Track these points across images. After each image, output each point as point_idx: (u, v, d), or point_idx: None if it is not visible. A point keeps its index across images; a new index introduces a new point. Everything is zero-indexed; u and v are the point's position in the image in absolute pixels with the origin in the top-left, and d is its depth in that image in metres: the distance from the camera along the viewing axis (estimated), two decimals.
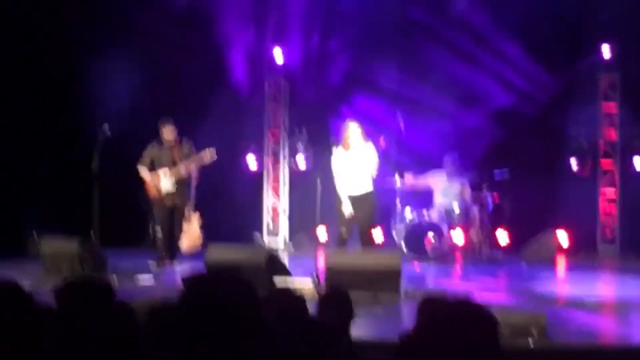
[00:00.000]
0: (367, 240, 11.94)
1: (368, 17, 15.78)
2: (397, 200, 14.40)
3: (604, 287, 11.81)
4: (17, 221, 15.00)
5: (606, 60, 15.66)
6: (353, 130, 11.81)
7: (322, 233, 14.63)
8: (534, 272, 12.75)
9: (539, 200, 15.21)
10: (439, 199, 14.72)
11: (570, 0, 14.80)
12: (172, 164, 12.93)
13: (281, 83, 17.13)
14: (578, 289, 11.26)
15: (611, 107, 15.92)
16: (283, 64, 16.80)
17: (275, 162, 17.31)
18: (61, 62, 15.26)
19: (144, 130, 13.66)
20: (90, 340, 3.39)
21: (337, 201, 11.86)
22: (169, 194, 12.95)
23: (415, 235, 13.96)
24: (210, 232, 14.50)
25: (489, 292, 10.96)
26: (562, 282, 12.94)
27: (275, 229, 17.25)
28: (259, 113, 17.20)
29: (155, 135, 13.05)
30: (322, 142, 13.85)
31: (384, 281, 10.03)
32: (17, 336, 3.38)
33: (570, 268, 14.05)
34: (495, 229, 14.78)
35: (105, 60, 14.59)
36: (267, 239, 17.03)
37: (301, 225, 16.46)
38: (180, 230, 13.30)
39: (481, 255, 14.29)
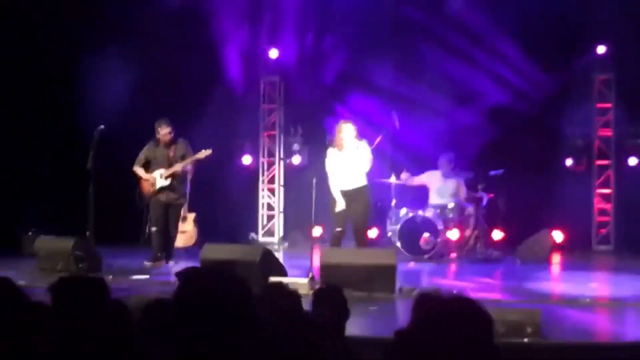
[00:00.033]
0: (362, 238, 11.95)
1: (363, 16, 15.78)
2: (393, 199, 14.41)
3: (599, 286, 11.81)
4: (13, 219, 14.99)
5: (601, 60, 15.69)
6: (346, 130, 11.82)
7: (317, 231, 14.63)
8: (528, 271, 12.75)
9: (534, 199, 15.23)
10: (434, 198, 14.73)
11: (565, 0, 14.81)
12: (168, 163, 12.92)
13: (276, 82, 17.14)
14: (573, 287, 11.25)
15: (606, 106, 15.95)
16: (278, 63, 16.80)
17: (271, 160, 17.32)
18: (57, 62, 15.25)
19: (139, 129, 13.65)
20: (84, 337, 3.39)
21: (330, 201, 11.86)
22: (163, 189, 12.92)
23: (411, 233, 13.95)
24: (205, 231, 14.54)
25: (484, 290, 10.97)
26: (556, 281, 12.94)
27: (271, 227, 17.26)
28: (254, 112, 17.23)
29: (151, 134, 13.04)
30: (317, 140, 13.86)
31: (379, 279, 10.04)
32: (10, 333, 3.38)
33: (565, 266, 14.07)
34: (490, 228, 14.79)
35: (101, 60, 14.58)
36: (262, 237, 17.04)
37: (296, 223, 16.49)
38: (176, 230, 13.30)
39: (476, 254, 14.29)
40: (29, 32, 15.18)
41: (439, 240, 13.91)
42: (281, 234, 17.18)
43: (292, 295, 4.54)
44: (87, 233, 12.35)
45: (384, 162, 14.56)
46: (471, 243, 14.49)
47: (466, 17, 15.49)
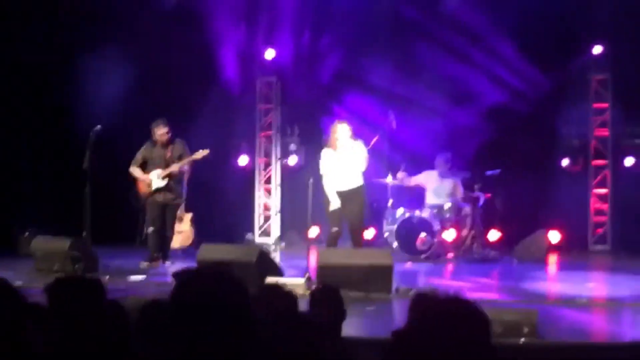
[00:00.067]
0: (358, 238, 11.95)
1: (360, 16, 15.79)
2: (390, 199, 14.41)
3: (595, 286, 11.81)
4: (9, 220, 14.98)
5: (598, 60, 15.70)
6: (341, 130, 11.82)
7: (313, 231, 14.63)
8: (525, 271, 12.75)
9: (530, 199, 15.25)
10: (430, 198, 14.73)
11: (562, 1, 14.82)
12: (165, 164, 12.91)
13: (273, 82, 17.13)
14: (569, 287, 11.27)
15: (603, 106, 15.96)
16: (274, 63, 16.80)
17: (267, 161, 17.32)
18: (53, 63, 15.23)
19: (136, 129, 13.65)
20: (81, 338, 3.39)
21: (325, 201, 11.87)
22: (159, 190, 12.92)
23: (408, 234, 13.96)
24: (202, 231, 14.54)
25: (480, 290, 10.97)
26: (553, 281, 12.95)
27: (267, 227, 17.26)
28: (251, 112, 17.22)
29: (147, 135, 13.02)
30: (314, 140, 13.87)
31: (376, 279, 10.05)
32: (7, 334, 3.38)
33: (562, 266, 14.07)
34: (487, 228, 14.79)
35: (97, 60, 14.58)
36: (258, 238, 17.04)
37: (293, 224, 16.48)
38: (172, 230, 13.29)
39: (473, 254, 14.30)
40: (25, 32, 15.15)
41: (435, 240, 13.92)
42: (278, 234, 17.17)
43: (288, 296, 4.54)
44: (84, 233, 12.34)
45: (380, 162, 14.57)
46: (468, 243, 14.49)
47: (463, 17, 15.50)
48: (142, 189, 13.04)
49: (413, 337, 2.65)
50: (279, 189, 17.32)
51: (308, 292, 7.15)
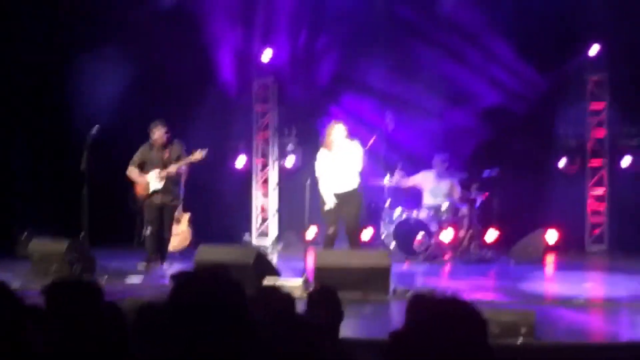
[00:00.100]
0: (355, 239, 11.96)
1: (356, 17, 15.79)
2: (387, 200, 14.41)
3: (593, 286, 11.83)
4: (6, 221, 14.97)
5: (594, 60, 15.71)
6: (337, 131, 11.83)
7: (311, 233, 14.63)
8: (522, 271, 12.76)
9: (527, 199, 15.26)
10: (428, 199, 14.73)
11: (558, 1, 14.83)
12: (163, 165, 12.90)
13: (270, 83, 17.13)
14: (567, 287, 11.28)
15: (599, 106, 15.98)
16: (271, 64, 16.80)
17: (264, 162, 17.32)
18: (50, 63, 15.23)
19: (133, 130, 13.65)
20: (78, 340, 3.39)
21: (322, 202, 11.88)
22: (157, 192, 12.92)
23: (405, 234, 13.97)
24: (199, 233, 14.53)
25: (478, 291, 10.98)
26: (550, 281, 12.97)
27: (265, 228, 17.25)
28: (248, 113, 17.22)
29: (145, 136, 13.01)
30: (311, 141, 13.86)
31: (374, 280, 10.05)
32: (5, 335, 3.38)
33: (559, 267, 14.09)
34: (484, 228, 14.79)
35: (94, 61, 14.57)
36: (256, 239, 17.03)
37: (290, 225, 16.47)
38: (170, 232, 13.29)
39: (470, 255, 14.30)
40: (22, 33, 15.15)
41: (433, 241, 13.92)
42: (275, 235, 17.17)
43: (285, 297, 4.54)
44: (81, 235, 12.33)
45: (377, 162, 14.57)
46: (465, 244, 14.49)
47: (460, 18, 15.51)
48: (140, 190, 13.03)
49: (411, 338, 2.66)
50: (276, 190, 17.31)
51: (306, 294, 7.15)
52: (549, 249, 14.67)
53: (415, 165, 14.98)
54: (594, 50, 15.60)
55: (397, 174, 14.49)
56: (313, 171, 12.00)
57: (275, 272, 10.81)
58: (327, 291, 5.51)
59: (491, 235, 14.80)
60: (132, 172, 12.99)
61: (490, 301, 9.94)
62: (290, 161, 16.64)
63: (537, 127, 15.58)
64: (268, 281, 9.73)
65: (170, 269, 12.56)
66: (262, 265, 10.63)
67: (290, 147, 16.73)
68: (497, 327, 7.02)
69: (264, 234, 17.22)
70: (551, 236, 14.89)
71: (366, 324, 8.50)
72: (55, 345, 3.40)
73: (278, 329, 3.55)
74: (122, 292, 9.66)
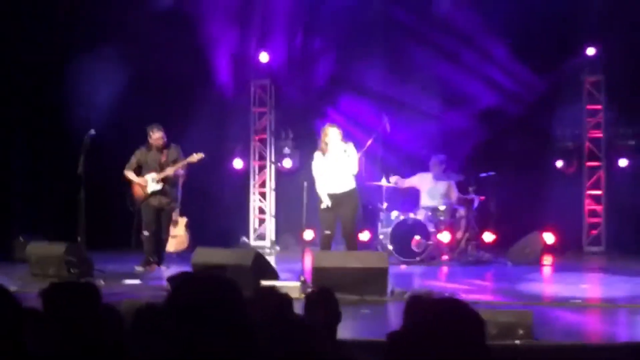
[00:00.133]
0: (352, 241, 11.96)
1: (353, 18, 15.81)
2: (384, 202, 14.40)
3: (590, 287, 11.83)
4: (4, 225, 14.96)
5: (591, 62, 15.73)
6: (331, 134, 11.84)
7: (308, 234, 14.63)
8: (520, 272, 12.76)
9: (525, 200, 15.26)
10: (425, 200, 14.73)
11: (555, 2, 14.85)
12: (160, 168, 12.90)
13: (267, 85, 17.13)
14: (564, 288, 11.28)
15: (596, 108, 15.99)
16: (268, 66, 16.80)
17: (262, 164, 17.31)
18: (46, 66, 15.22)
19: (130, 132, 13.65)
20: (76, 342, 3.39)
21: (319, 203, 11.89)
22: (155, 193, 12.91)
23: (402, 236, 13.95)
24: (196, 235, 14.53)
25: (475, 292, 10.99)
26: (548, 282, 12.96)
27: (262, 230, 17.25)
28: (245, 115, 17.21)
29: (141, 139, 13.01)
30: (308, 143, 13.86)
31: (371, 282, 10.05)
32: (3, 338, 3.38)
33: (556, 268, 14.08)
34: (481, 230, 14.79)
35: (91, 64, 14.57)
36: (253, 241, 17.03)
37: (287, 227, 16.47)
38: (167, 234, 13.30)
39: (468, 256, 14.29)
40: (18, 35, 15.15)
41: (430, 242, 13.92)
42: (273, 237, 17.17)
43: (283, 298, 4.54)
44: (79, 238, 12.33)
45: (374, 164, 14.58)
46: (462, 245, 14.49)
47: (456, 20, 15.52)
48: (137, 192, 13.03)
49: (408, 339, 2.66)
50: (273, 192, 17.31)
51: (303, 295, 7.15)
52: (547, 250, 14.66)
53: (412, 167, 14.99)
54: (591, 51, 15.61)
55: (394, 177, 14.49)
56: (310, 173, 12.01)
57: (273, 273, 10.81)
58: (324, 292, 5.51)
59: (488, 236, 14.79)
60: (129, 174, 12.99)
61: (488, 302, 9.94)
62: (287, 163, 16.64)
63: (534, 129, 15.58)
64: (265, 283, 9.72)
65: (168, 271, 12.55)
66: (260, 267, 10.63)
67: (287, 149, 16.73)
68: (494, 328, 7.02)
69: (261, 236, 17.21)
70: (548, 237, 14.89)
71: (364, 325, 8.49)
72: (54, 347, 3.40)
73: (276, 330, 3.55)
74: (119, 294, 9.65)
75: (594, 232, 15.98)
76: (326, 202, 11.81)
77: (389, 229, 14.03)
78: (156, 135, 12.86)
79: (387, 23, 15.95)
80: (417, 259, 13.84)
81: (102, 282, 10.77)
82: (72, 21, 15.10)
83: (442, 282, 12.56)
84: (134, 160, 13.02)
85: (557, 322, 8.82)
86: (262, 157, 17.32)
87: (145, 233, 12.99)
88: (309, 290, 8.93)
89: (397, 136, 14.52)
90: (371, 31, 15.95)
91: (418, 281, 12.39)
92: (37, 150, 15.74)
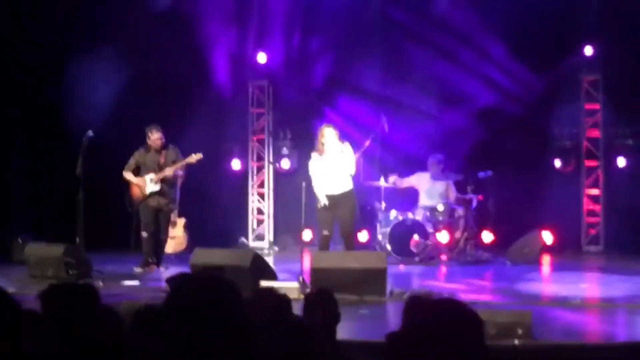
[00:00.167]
0: (350, 242, 11.97)
1: (350, 19, 15.81)
2: (382, 202, 14.40)
3: (589, 286, 11.83)
4: (3, 226, 14.95)
5: (589, 61, 15.72)
6: (328, 134, 11.84)
7: (307, 235, 14.63)
8: (519, 272, 12.76)
9: (523, 200, 15.24)
10: (423, 200, 14.73)
11: (553, 1, 14.85)
12: (159, 169, 12.89)
13: (265, 86, 17.12)
14: (563, 288, 11.29)
15: (594, 107, 15.99)
16: (266, 66, 16.79)
17: (260, 164, 17.30)
18: (45, 67, 15.21)
19: (128, 134, 13.64)
20: (75, 344, 3.38)
21: (316, 203, 11.89)
22: (153, 194, 12.91)
23: (401, 236, 13.95)
24: (195, 236, 14.52)
25: (474, 292, 10.99)
26: (547, 282, 12.97)
27: (261, 231, 17.24)
28: (243, 116, 17.19)
29: (140, 139, 13.01)
30: (307, 144, 13.85)
31: (370, 282, 10.04)
32: (2, 339, 3.37)
33: (555, 267, 14.09)
34: (480, 229, 14.79)
35: (89, 64, 14.56)
36: (252, 242, 17.02)
37: (286, 228, 16.47)
38: (166, 235, 13.29)
39: (466, 256, 14.29)
40: (18, 35, 15.14)
41: (429, 242, 13.92)
42: (271, 238, 17.15)
43: (282, 299, 4.54)
44: (77, 239, 12.32)
45: (373, 164, 14.57)
46: (461, 245, 14.48)
47: (453, 19, 15.52)
48: (136, 193, 13.03)
49: (407, 340, 2.66)
50: (272, 192, 17.30)
51: (302, 296, 7.16)
52: (545, 249, 14.66)
53: (410, 167, 14.99)
54: (588, 51, 15.61)
55: (392, 177, 14.50)
56: (308, 173, 12.02)
57: (272, 274, 10.81)
58: (323, 293, 5.51)
59: (487, 236, 14.79)
60: (128, 175, 12.99)
61: (487, 302, 9.95)
62: (285, 164, 16.63)
63: (532, 128, 15.58)
64: (264, 284, 9.72)
65: (167, 272, 12.55)
66: (259, 267, 10.63)
67: (285, 149, 16.72)
68: (493, 328, 7.02)
69: (260, 236, 17.20)
70: (547, 237, 14.89)
71: (363, 326, 8.49)
72: (52, 349, 3.40)
73: (274, 330, 3.56)
74: (118, 295, 9.65)
75: (593, 231, 15.98)
76: (323, 201, 11.81)
77: (388, 229, 14.02)
78: (155, 136, 12.86)
79: (384, 23, 15.95)
80: (416, 259, 13.84)
81: (100, 284, 10.76)
82: (72, 21, 15.10)
83: (441, 282, 12.56)
84: (132, 161, 13.02)
85: (556, 322, 8.83)
86: (260, 158, 17.31)
87: (144, 234, 12.99)
88: (308, 290, 8.95)
89: (395, 136, 14.52)
90: (369, 31, 15.95)
91: (417, 281, 12.39)
92: (36, 150, 15.74)
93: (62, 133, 14.58)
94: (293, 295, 7.85)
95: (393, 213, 14.21)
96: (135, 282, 11.64)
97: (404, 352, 2.65)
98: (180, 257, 14.12)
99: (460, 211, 14.60)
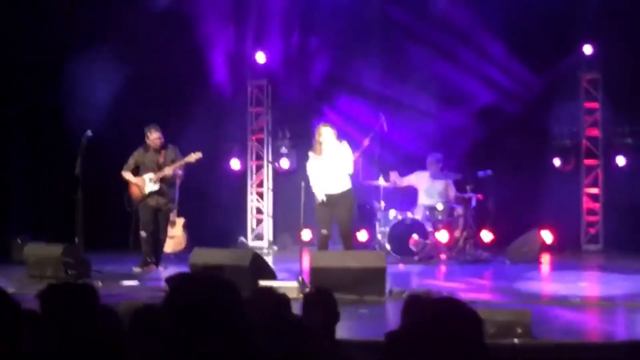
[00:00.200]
0: (348, 241, 11.97)
1: (349, 18, 15.81)
2: (381, 201, 14.39)
3: (588, 285, 11.84)
4: (2, 226, 14.95)
5: (588, 60, 15.72)
6: (325, 133, 11.83)
7: (306, 234, 14.62)
8: (518, 271, 12.77)
9: (522, 199, 15.25)
10: (423, 199, 14.73)
11: (552, 0, 14.85)
12: (158, 168, 12.89)
13: (263, 85, 17.11)
14: (562, 287, 11.29)
15: (593, 106, 15.99)
16: (265, 66, 16.79)
17: (259, 164, 17.30)
18: (43, 67, 15.22)
19: (127, 133, 13.64)
20: (74, 344, 3.38)
21: (315, 202, 11.89)
22: (152, 194, 12.91)
23: (400, 236, 13.95)
24: (194, 235, 14.51)
25: (473, 291, 10.99)
26: (546, 281, 12.97)
27: (260, 231, 17.23)
28: (242, 115, 17.18)
29: (138, 139, 13.01)
30: (306, 143, 13.84)
31: (369, 281, 10.04)
32: (1, 339, 3.37)
33: (555, 266, 14.08)
34: (479, 228, 14.79)
35: (87, 64, 14.56)
36: (251, 241, 17.01)
37: (285, 227, 16.46)
38: (165, 234, 13.29)
39: (466, 255, 14.29)
40: (18, 35, 15.14)
41: (428, 241, 13.91)
42: (270, 237, 17.15)
43: (281, 299, 4.54)
44: (76, 239, 12.32)
45: (372, 164, 14.56)
46: (460, 244, 14.48)
47: (453, 18, 15.51)
48: (135, 192, 13.02)
49: (407, 339, 2.66)
50: (271, 192, 17.30)
51: (301, 295, 7.15)
52: (545, 248, 14.67)
53: (410, 167, 14.98)
54: (588, 49, 15.61)
55: (392, 175, 14.50)
56: (307, 173, 12.02)
57: (271, 273, 10.81)
58: (323, 292, 5.51)
59: (486, 235, 14.79)
60: (127, 175, 12.98)
61: (486, 301, 9.96)
62: (284, 163, 16.63)
63: (531, 127, 15.58)
64: (264, 283, 9.72)
65: (166, 271, 12.55)
66: (258, 267, 10.62)
67: (284, 149, 16.72)
68: (493, 327, 7.02)
69: (259, 236, 17.20)
70: (546, 236, 14.89)
71: (362, 325, 8.49)
72: (52, 349, 3.40)
73: (274, 330, 3.55)
74: (117, 295, 9.65)
75: (592, 230, 15.98)
76: (321, 197, 11.80)
77: (387, 228, 14.02)
78: (154, 136, 12.85)
79: (384, 22, 15.95)
80: (415, 258, 13.84)
81: (99, 283, 10.76)
82: (71, 21, 15.09)
83: (440, 281, 12.56)
84: (131, 161, 13.01)
85: (556, 321, 8.83)
86: (259, 157, 17.30)
87: (143, 234, 12.99)
88: (307, 290, 8.94)
89: (394, 135, 14.51)
90: (368, 30, 15.95)
91: (416, 280, 12.39)
92: (36, 150, 15.74)
93: (62, 133, 14.59)
94: (292, 294, 7.85)
95: (392, 212, 14.21)
96: (134, 282, 11.64)
97: (403, 351, 2.65)
98: (179, 256, 14.10)
99: (459, 210, 14.59)
